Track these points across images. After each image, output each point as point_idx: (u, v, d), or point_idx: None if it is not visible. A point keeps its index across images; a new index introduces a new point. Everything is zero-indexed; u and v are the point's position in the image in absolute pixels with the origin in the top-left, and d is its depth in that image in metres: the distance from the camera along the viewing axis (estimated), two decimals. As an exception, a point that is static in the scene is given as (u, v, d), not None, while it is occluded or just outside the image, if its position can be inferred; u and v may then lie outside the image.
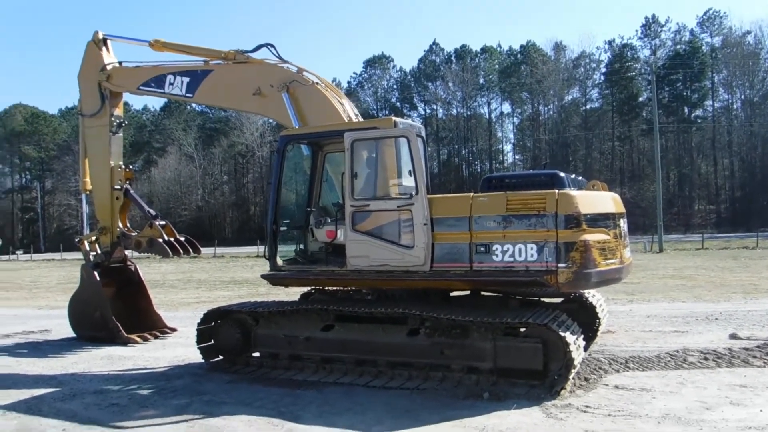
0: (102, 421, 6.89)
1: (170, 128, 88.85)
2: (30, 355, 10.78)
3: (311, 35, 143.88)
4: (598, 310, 9.65)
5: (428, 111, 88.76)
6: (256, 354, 9.11)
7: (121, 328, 11.36)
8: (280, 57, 10.00)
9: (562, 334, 7.08)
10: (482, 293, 8.79)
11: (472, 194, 7.86)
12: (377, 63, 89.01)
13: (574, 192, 7.49)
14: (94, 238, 12.14)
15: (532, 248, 7.36)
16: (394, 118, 8.32)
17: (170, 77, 10.89)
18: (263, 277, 9.11)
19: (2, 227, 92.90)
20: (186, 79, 10.77)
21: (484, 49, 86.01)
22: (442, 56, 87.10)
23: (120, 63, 11.77)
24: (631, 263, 8.59)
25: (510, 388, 7.30)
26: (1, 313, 17.08)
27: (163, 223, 11.73)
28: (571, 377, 7.26)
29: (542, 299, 9.27)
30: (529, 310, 7.92)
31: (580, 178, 8.83)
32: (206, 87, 10.60)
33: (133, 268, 12.53)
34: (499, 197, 7.62)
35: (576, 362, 7.20)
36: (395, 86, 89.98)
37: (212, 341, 9.25)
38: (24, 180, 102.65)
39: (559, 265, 7.23)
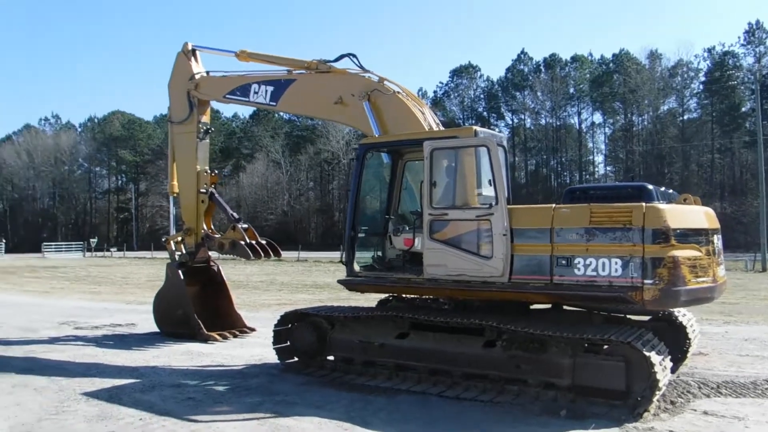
0: (177, 413, 7.08)
1: (258, 135, 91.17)
2: (115, 346, 11.23)
3: (397, 45, 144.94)
4: (688, 330, 9.13)
5: (516, 121, 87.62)
6: (331, 357, 9.14)
7: (202, 325, 11.67)
8: (361, 66, 10.06)
9: (647, 353, 6.73)
10: (564, 307, 8.50)
11: (554, 205, 7.62)
12: (464, 72, 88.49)
13: (662, 205, 7.14)
14: (179, 238, 12.53)
15: (616, 263, 7.06)
16: (474, 127, 8.19)
17: (255, 86, 11.14)
18: (340, 282, 9.14)
19: (98, 225, 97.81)
20: (270, 88, 10.98)
21: (575, 58, 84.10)
22: (531, 65, 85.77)
23: (207, 73, 12.13)
24: (725, 282, 8.10)
25: (589, 407, 7.00)
26: (92, 306, 17.96)
27: (245, 226, 11.98)
28: (655, 399, 6.88)
29: (628, 316, 8.91)
30: (613, 326, 7.60)
31: (671, 191, 8.41)
32: (289, 96, 10.78)
33: (216, 269, 12.85)
34: (582, 209, 7.35)
35: (661, 384, 6.82)
36: (482, 96, 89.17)
37: (288, 342, 9.34)
38: (120, 182, 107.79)
39: (645, 281, 6.90)
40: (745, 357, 10.11)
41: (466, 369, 7.95)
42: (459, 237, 7.97)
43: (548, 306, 8.53)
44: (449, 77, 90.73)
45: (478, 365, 7.87)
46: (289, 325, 9.38)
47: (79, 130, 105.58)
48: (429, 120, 9.63)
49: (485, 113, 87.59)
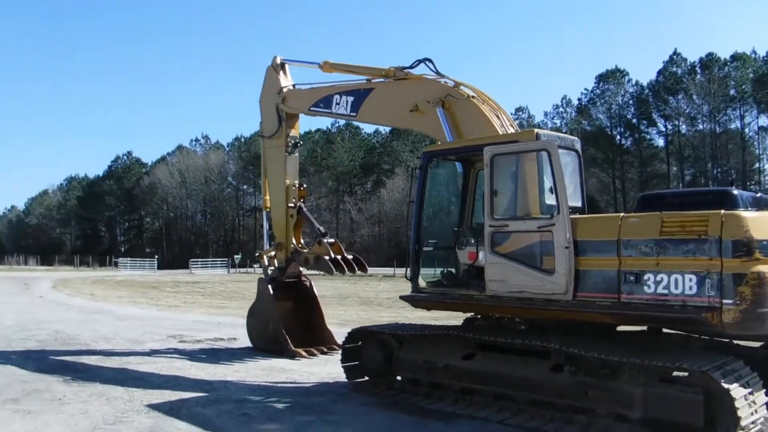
0: (224, 429, 7.06)
1: (398, 150, 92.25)
2: (205, 360, 11.46)
3: (539, 50, 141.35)
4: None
5: (669, 127, 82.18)
6: (399, 378, 8.76)
7: (289, 341, 11.67)
8: (437, 71, 9.71)
9: (727, 385, 5.79)
10: (664, 330, 7.54)
11: (621, 215, 6.83)
12: (610, 77, 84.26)
13: (745, 213, 6.15)
14: (272, 253, 12.67)
15: (690, 279, 6.17)
16: (537, 130, 7.56)
17: (336, 97, 11.08)
18: (402, 298, 8.77)
19: (246, 243, 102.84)
20: (350, 99, 10.88)
21: (735, 57, 77.67)
22: (685, 67, 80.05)
23: (294, 86, 12.22)
24: None
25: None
26: (209, 320, 18.64)
27: (331, 240, 11.90)
28: None
29: (737, 342, 7.83)
30: (695, 353, 6.66)
31: None
32: (368, 105, 10.62)
33: (308, 284, 12.87)
34: (652, 218, 6.52)
35: (746, 422, 5.83)
36: (631, 101, 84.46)
37: (357, 362, 9.08)
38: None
39: (725, 301, 5.96)
40: None
41: (531, 395, 7.28)
42: (520, 250, 7.37)
43: (643, 328, 7.65)
44: (595, 83, 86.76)
45: (544, 391, 7.16)
46: (359, 343, 9.12)
47: (227, 149, 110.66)
48: (506, 125, 9.07)
49: (635, 120, 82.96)
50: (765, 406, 6.22)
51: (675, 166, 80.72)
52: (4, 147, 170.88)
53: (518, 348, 7.37)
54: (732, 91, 77.18)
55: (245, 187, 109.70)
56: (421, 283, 8.60)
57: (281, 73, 12.44)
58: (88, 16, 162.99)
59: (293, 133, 12.56)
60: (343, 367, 9.13)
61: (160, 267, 76.90)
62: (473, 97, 9.26)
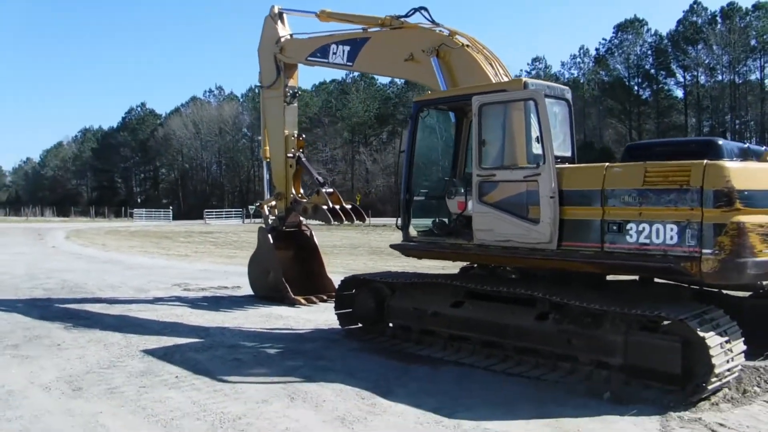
0: (214, 373, 7.18)
1: (412, 101, 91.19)
2: (205, 308, 11.68)
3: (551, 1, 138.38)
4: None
5: (688, 78, 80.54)
6: (391, 325, 8.90)
7: (288, 289, 11.85)
8: (432, 20, 9.62)
9: (702, 333, 5.84)
10: (655, 280, 7.56)
11: (606, 164, 6.80)
12: (629, 27, 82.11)
13: (728, 163, 6.10)
14: (273, 203, 12.77)
15: (671, 229, 6.18)
16: (525, 78, 7.49)
17: (333, 47, 10.99)
18: (392, 247, 8.85)
19: (262, 193, 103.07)
20: (347, 48, 10.79)
21: (757, 6, 75.42)
22: (705, 16, 77.83)
23: (291, 35, 12.12)
24: None
25: (642, 391, 6.23)
26: (216, 269, 18.92)
27: (330, 190, 11.97)
28: (711, 388, 5.94)
29: (726, 292, 7.88)
30: (679, 302, 6.71)
31: (765, 147, 7.22)
32: (364, 54, 10.53)
33: (308, 233, 12.99)
34: (636, 168, 6.50)
35: (720, 370, 5.89)
36: (649, 52, 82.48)
37: (350, 309, 9.23)
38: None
39: (704, 251, 5.97)
40: None
41: (517, 342, 7.40)
42: (506, 199, 7.38)
43: (634, 278, 7.70)
44: (613, 33, 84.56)
45: (530, 339, 7.28)
46: (352, 291, 9.25)
47: (241, 100, 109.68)
48: (501, 75, 8.98)
49: (653, 71, 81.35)
50: (743, 355, 6.28)
51: (693, 118, 79.35)
52: (19, 100, 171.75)
53: (505, 296, 7.45)
54: (753, 41, 75.30)
55: (260, 138, 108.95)
56: (412, 232, 8.65)
57: (279, 22, 12.33)
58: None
59: (292, 83, 12.51)
60: (336, 314, 9.27)
61: (175, 218, 77.58)
62: (467, 45, 9.16)
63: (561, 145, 7.88)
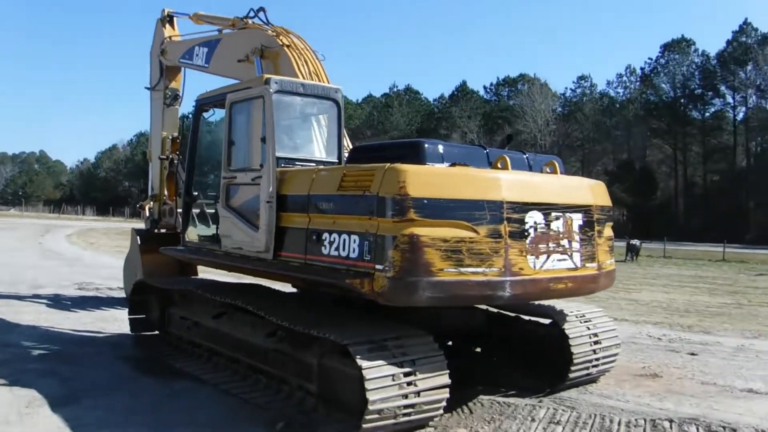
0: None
1: (455, 116, 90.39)
2: (66, 307, 11.49)
3: (605, 19, 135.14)
4: (572, 341, 6.94)
5: (737, 99, 77.14)
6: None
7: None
8: (267, 21, 9.31)
9: (362, 362, 5.10)
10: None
11: (319, 167, 6.21)
12: (676, 47, 79.30)
13: (408, 167, 5.32)
14: (150, 204, 12.49)
15: (354, 241, 5.51)
16: (267, 75, 6.90)
17: (196, 48, 10.73)
18: (161, 251, 8.46)
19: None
20: (205, 50, 10.52)
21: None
22: (755, 36, 74.39)
23: (170, 38, 11.89)
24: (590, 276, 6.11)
25: (325, 422, 5.62)
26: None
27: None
28: (369, 426, 5.06)
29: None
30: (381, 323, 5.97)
31: (538, 155, 6.53)
32: (216, 56, 10.22)
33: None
34: (336, 171, 5.92)
35: (382, 406, 5.03)
36: (696, 72, 79.48)
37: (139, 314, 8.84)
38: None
39: (377, 266, 5.26)
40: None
41: (249, 359, 6.87)
42: (241, 204, 6.90)
43: None
44: (659, 52, 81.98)
45: (258, 357, 6.75)
46: (144, 296, 8.84)
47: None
48: (316, 77, 8.51)
49: (700, 91, 78.28)
50: (444, 390, 5.48)
51: (741, 139, 76.05)
52: (79, 103, 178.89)
53: (242, 308, 6.90)
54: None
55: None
56: (192, 237, 8.19)
57: (167, 25, 12.13)
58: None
59: (174, 85, 12.24)
60: (129, 319, 8.85)
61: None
62: (287, 46, 8.74)
63: (326, 148, 7.30)
